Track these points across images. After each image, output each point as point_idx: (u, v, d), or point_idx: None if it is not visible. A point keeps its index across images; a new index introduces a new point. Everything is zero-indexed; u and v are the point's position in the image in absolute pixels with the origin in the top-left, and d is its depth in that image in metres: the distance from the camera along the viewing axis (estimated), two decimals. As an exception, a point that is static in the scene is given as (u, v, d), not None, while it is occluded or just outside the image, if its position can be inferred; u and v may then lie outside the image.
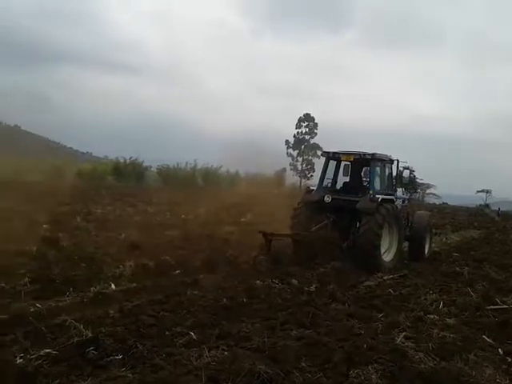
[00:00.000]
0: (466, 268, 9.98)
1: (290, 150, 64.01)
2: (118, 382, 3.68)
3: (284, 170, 61.06)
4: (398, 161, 11.57)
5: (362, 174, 11.85)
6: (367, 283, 8.57)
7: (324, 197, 10.61)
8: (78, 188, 30.24)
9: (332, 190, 11.27)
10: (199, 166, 47.13)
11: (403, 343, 4.80)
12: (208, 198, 26.16)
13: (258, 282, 7.66)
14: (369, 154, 10.71)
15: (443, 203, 55.34)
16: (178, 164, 46.21)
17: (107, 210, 17.94)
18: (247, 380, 3.82)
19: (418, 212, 12.99)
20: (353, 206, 10.28)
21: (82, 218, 14.48)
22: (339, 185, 11.65)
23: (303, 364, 4.41)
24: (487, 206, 52.88)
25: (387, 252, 10.55)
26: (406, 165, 11.91)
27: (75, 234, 11.22)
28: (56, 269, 7.60)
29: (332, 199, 10.56)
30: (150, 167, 46.15)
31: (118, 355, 4.31)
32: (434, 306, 6.61)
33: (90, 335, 4.67)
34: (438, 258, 12.21)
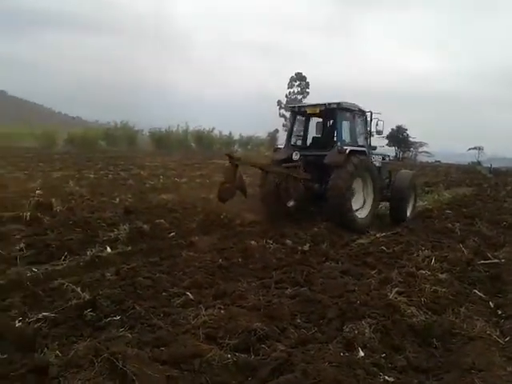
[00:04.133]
0: (458, 224, 10.07)
1: (283, 111, 63.45)
2: (117, 341, 3.73)
3: (277, 131, 60.97)
4: (371, 113, 10.91)
5: (332, 127, 11.09)
6: (360, 241, 8.67)
7: (292, 154, 10.10)
8: (70, 153, 30.00)
9: (302, 147, 10.85)
10: (191, 129, 46.79)
11: (396, 298, 4.88)
12: (201, 160, 26.11)
13: (253, 242, 7.73)
14: (334, 104, 10.08)
15: (436, 161, 55.55)
16: (169, 127, 45.81)
17: (100, 175, 17.86)
18: (244, 337, 3.89)
19: (401, 171, 12.49)
20: (321, 161, 9.78)
21: (74, 183, 14.42)
22: (310, 141, 11.20)
23: (298, 321, 4.50)
24: (479, 163, 53.07)
25: (362, 208, 10.21)
26: (381, 117, 11.06)
27: (69, 199, 11.18)
28: (51, 234, 7.62)
29: (301, 156, 10.05)
30: (142, 131, 45.70)
31: (115, 316, 4.36)
32: (425, 262, 6.69)
33: (88, 297, 4.72)
34: (431, 215, 12.31)
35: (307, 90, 63.85)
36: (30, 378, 3.21)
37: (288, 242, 8.06)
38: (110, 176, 17.77)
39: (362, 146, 10.51)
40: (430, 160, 57.87)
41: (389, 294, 5.03)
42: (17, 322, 4.18)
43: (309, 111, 10.76)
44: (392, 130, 60.61)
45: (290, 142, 10.91)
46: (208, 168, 22.43)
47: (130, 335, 3.95)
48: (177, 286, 5.36)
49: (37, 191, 11.67)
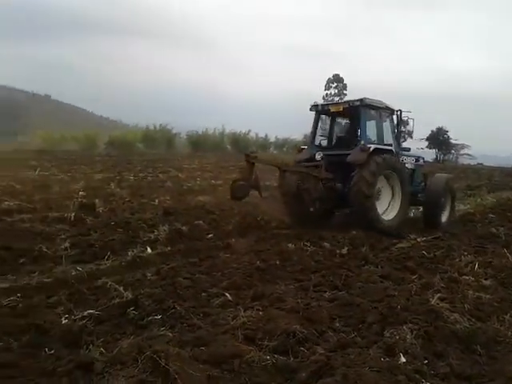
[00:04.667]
0: (502, 229, 9.73)
1: (319, 113, 63.01)
2: (159, 340, 3.82)
3: (313, 133, 60.56)
4: (400, 111, 10.45)
5: (356, 125, 10.57)
6: (400, 245, 8.49)
7: (315, 154, 9.86)
8: (110, 156, 30.82)
9: (326, 146, 10.52)
10: (227, 131, 47.16)
11: (438, 304, 4.77)
12: (236, 162, 26.23)
13: (290, 245, 7.74)
14: (357, 100, 9.69)
15: (478, 164, 53.88)
16: (206, 129, 46.31)
17: (139, 177, 18.27)
18: (283, 339, 3.89)
19: (436, 174, 11.97)
20: (345, 160, 9.34)
21: (115, 185, 14.81)
22: (334, 141, 10.86)
23: (337, 324, 4.46)
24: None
25: (388, 209, 9.80)
26: (411, 115, 10.55)
27: (110, 201, 11.49)
28: (94, 234, 7.88)
29: (323, 155, 9.78)
30: (179, 133, 46.38)
31: (157, 315, 4.46)
32: (469, 268, 6.51)
33: (130, 296, 4.86)
34: (473, 219, 11.94)
35: (345, 91, 63.02)
36: (77, 374, 3.33)
37: (326, 244, 8.02)
38: (149, 178, 18.14)
39: (389, 145, 10.01)
40: (473, 163, 56.13)
41: (431, 299, 4.92)
42: (63, 319, 4.35)
43: (332, 109, 10.42)
44: (432, 131, 59.14)
45: (314, 142, 10.65)
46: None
47: (170, 334, 4.03)
48: (216, 286, 5.43)
49: (80, 192, 12.07)
